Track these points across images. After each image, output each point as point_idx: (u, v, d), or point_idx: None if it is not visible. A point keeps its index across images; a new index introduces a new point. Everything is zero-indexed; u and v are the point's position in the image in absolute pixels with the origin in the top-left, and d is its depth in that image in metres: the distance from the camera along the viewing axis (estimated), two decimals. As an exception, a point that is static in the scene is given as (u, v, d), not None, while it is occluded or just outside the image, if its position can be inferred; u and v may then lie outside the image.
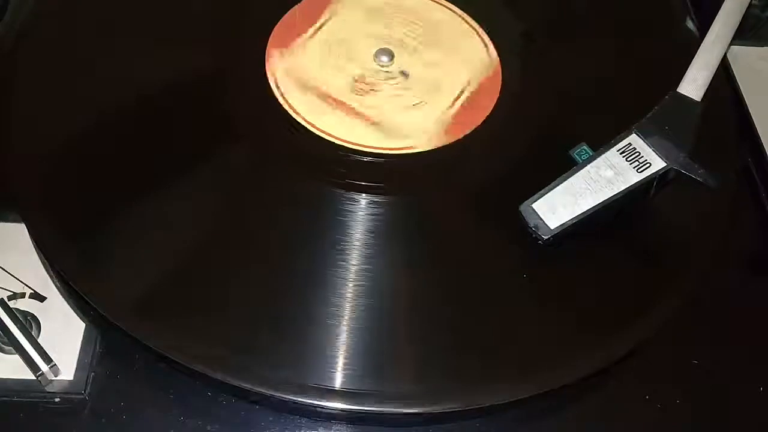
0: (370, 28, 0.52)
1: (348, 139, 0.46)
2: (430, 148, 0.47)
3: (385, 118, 0.48)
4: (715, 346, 0.44)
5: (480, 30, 0.52)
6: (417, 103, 0.49)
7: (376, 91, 0.49)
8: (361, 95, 0.49)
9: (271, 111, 0.47)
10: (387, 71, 0.50)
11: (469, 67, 0.51)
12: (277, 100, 0.48)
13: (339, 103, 0.48)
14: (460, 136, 0.47)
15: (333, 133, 0.46)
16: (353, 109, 0.48)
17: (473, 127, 0.48)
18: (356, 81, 0.49)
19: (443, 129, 0.48)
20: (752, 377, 0.44)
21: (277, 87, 0.48)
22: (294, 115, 0.47)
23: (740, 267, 0.48)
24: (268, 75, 0.48)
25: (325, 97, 0.48)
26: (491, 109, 0.48)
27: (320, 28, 0.51)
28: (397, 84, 0.50)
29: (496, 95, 0.49)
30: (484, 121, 0.48)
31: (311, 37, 0.51)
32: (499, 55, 0.51)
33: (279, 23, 0.51)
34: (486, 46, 0.52)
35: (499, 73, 0.50)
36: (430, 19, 0.53)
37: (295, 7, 0.52)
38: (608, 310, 0.42)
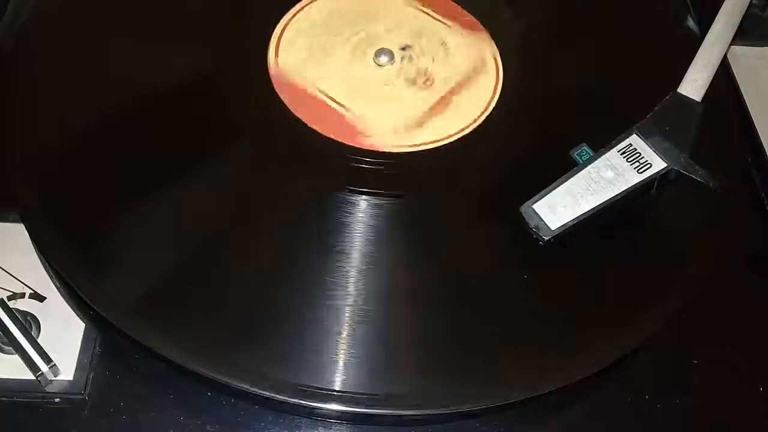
0: (360, 27, 0.52)
1: (344, 138, 0.46)
2: (443, 144, 0.47)
3: (391, 116, 0.48)
4: (715, 346, 0.44)
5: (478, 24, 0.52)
6: (420, 102, 0.49)
7: (378, 90, 0.49)
8: (364, 96, 0.48)
9: (271, 111, 0.47)
10: (388, 69, 0.50)
11: (470, 62, 0.51)
12: (280, 101, 0.48)
13: (339, 104, 0.48)
14: (471, 130, 0.48)
15: (331, 132, 0.46)
16: (353, 109, 0.48)
17: (484, 122, 0.48)
18: (360, 80, 0.49)
19: (453, 124, 0.48)
20: (752, 377, 0.44)
21: (281, 92, 0.48)
22: (293, 114, 0.47)
23: (740, 267, 0.48)
24: (272, 80, 0.48)
25: (328, 99, 0.48)
26: (494, 107, 0.48)
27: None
28: (399, 83, 0.50)
29: (501, 86, 0.50)
30: (484, 121, 0.48)
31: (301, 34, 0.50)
32: (498, 47, 0.51)
33: (275, 29, 0.51)
34: (482, 38, 0.52)
35: (500, 65, 0.51)
36: (424, 24, 0.53)
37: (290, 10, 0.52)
38: (608, 311, 0.42)
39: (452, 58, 0.51)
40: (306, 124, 0.47)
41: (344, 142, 0.46)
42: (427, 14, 0.53)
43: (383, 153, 0.46)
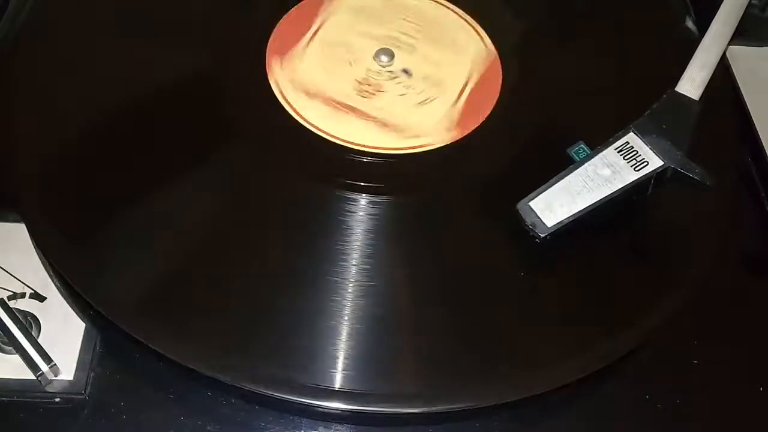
0: (364, 29, 0.52)
1: (360, 142, 0.46)
2: (443, 144, 0.47)
3: (394, 117, 0.48)
4: (715, 346, 0.44)
5: (474, 22, 0.52)
6: (423, 101, 0.49)
7: (381, 92, 0.49)
8: (367, 97, 0.48)
9: (271, 111, 0.47)
10: (389, 71, 0.50)
11: (468, 60, 0.51)
12: (277, 101, 0.48)
13: (347, 107, 0.48)
14: (470, 129, 0.47)
15: (344, 137, 0.46)
16: (362, 111, 0.48)
17: (482, 120, 0.48)
18: (360, 83, 0.49)
19: (453, 124, 0.48)
20: (752, 377, 0.44)
21: (283, 96, 0.48)
22: (293, 114, 0.47)
23: (740, 267, 0.48)
24: (272, 85, 0.48)
25: (331, 102, 0.48)
26: (492, 105, 0.48)
27: (315, 33, 0.51)
28: (400, 83, 0.49)
29: (499, 85, 0.49)
30: (483, 120, 0.48)
31: (308, 43, 0.51)
32: (496, 47, 0.51)
33: (273, 34, 0.51)
34: (482, 37, 0.52)
35: (499, 64, 0.51)
36: (424, 16, 0.53)
37: (287, 15, 0.52)
38: (608, 310, 0.42)
39: (453, 58, 0.51)
40: (306, 124, 0.47)
41: (344, 141, 0.46)
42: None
43: (383, 152, 0.46)
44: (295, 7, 0.52)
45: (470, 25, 0.53)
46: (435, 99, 0.49)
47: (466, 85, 0.50)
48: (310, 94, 0.48)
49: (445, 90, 0.49)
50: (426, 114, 0.48)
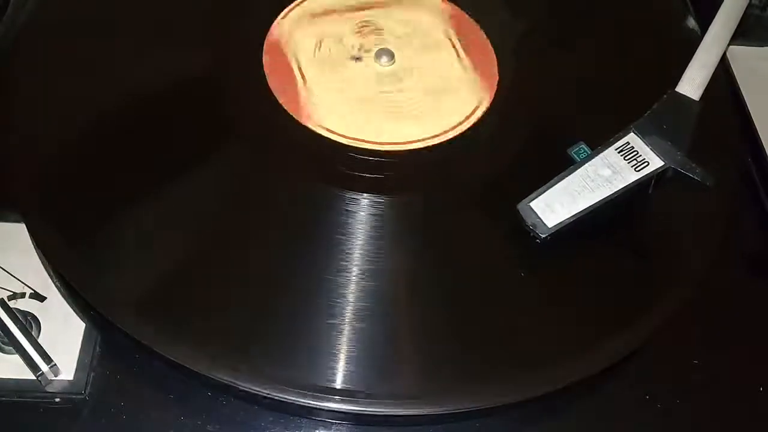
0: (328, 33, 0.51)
1: (345, 135, 0.46)
2: (488, 93, 0.48)
3: (422, 109, 0.48)
4: (715, 346, 0.44)
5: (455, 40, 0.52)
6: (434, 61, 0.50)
7: (383, 93, 0.49)
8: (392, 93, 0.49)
9: (271, 111, 0.47)
10: (388, 71, 0.50)
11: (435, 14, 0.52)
12: (277, 100, 0.48)
13: (341, 102, 0.48)
14: (495, 76, 0.49)
15: (332, 130, 0.46)
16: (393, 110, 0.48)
17: (497, 63, 0.49)
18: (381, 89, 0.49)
19: (475, 72, 0.49)
20: (752, 377, 0.44)
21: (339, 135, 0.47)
22: (292, 114, 0.47)
23: (740, 267, 0.48)
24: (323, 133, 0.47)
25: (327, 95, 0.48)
26: (491, 106, 0.49)
27: (299, 69, 0.49)
28: (397, 82, 0.50)
29: (482, 33, 0.51)
30: (482, 119, 0.48)
31: (305, 83, 0.49)
32: (498, 54, 0.51)
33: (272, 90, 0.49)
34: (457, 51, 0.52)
35: (465, 15, 0.52)
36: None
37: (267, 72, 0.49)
38: (608, 310, 0.42)
39: (453, 58, 0.51)
40: (306, 124, 0.47)
41: (344, 141, 0.46)
42: (450, 41, 0.52)
43: (383, 152, 0.46)
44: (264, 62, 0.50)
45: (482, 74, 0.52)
46: (442, 56, 0.50)
47: (451, 39, 0.51)
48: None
49: (441, 49, 0.50)
50: (446, 74, 0.49)
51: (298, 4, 0.52)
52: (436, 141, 0.47)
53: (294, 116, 0.47)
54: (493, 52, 0.51)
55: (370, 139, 0.47)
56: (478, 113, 0.48)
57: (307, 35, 0.51)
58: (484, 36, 0.52)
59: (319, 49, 0.50)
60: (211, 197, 0.44)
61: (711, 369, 0.44)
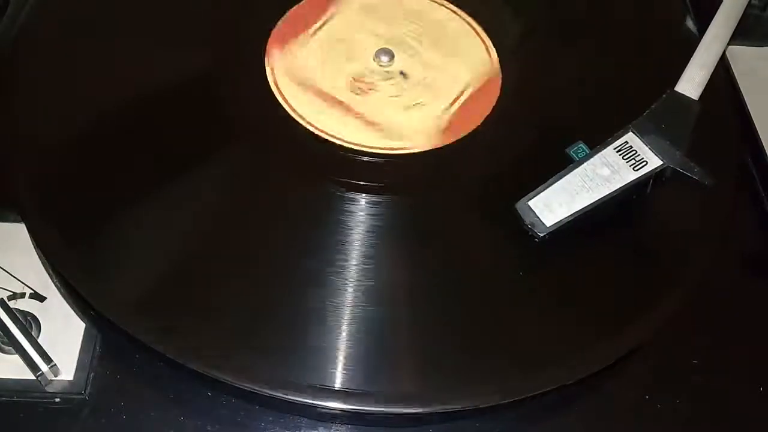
0: (371, 27, 0.52)
1: (344, 138, 0.46)
2: (425, 149, 0.46)
3: (383, 117, 0.48)
4: (715, 346, 0.44)
5: (480, 30, 0.52)
6: (415, 104, 0.49)
7: (374, 90, 0.49)
8: (359, 94, 0.49)
9: (272, 112, 0.47)
10: (387, 71, 0.50)
11: (470, 67, 0.51)
12: (277, 100, 0.48)
13: (336, 102, 0.48)
14: (458, 136, 0.47)
15: (329, 131, 0.46)
16: (351, 108, 0.48)
17: (470, 130, 0.47)
18: (355, 80, 0.49)
19: (440, 130, 0.47)
20: (752, 377, 0.44)
21: (276, 85, 0.48)
22: (292, 114, 0.47)
23: (740, 267, 0.48)
24: (267, 71, 0.48)
25: (323, 96, 0.48)
26: (490, 108, 0.48)
27: (322, 26, 0.51)
28: (394, 84, 0.49)
29: (496, 95, 0.49)
30: (482, 120, 0.48)
31: (312, 35, 0.51)
32: (498, 54, 0.51)
33: (281, 21, 0.51)
34: (487, 47, 0.52)
35: (499, 73, 0.50)
36: (431, 19, 0.53)
37: (298, 5, 0.52)
38: (608, 310, 0.42)
39: (453, 59, 0.51)
40: (305, 123, 0.47)
41: (344, 141, 0.46)
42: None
43: (382, 153, 0.46)
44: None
45: (477, 34, 0.52)
46: (426, 104, 0.49)
47: (461, 94, 0.49)
48: (302, 85, 0.48)
49: (438, 96, 0.49)
50: (413, 118, 0.48)
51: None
52: (378, 149, 0.47)
53: (294, 116, 0.47)
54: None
55: (350, 136, 0.47)
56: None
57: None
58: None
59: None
60: (211, 197, 0.44)
61: (711, 369, 0.43)
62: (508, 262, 0.43)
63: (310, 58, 0.50)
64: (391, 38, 0.51)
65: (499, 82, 0.50)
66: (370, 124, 0.47)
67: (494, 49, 0.51)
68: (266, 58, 0.49)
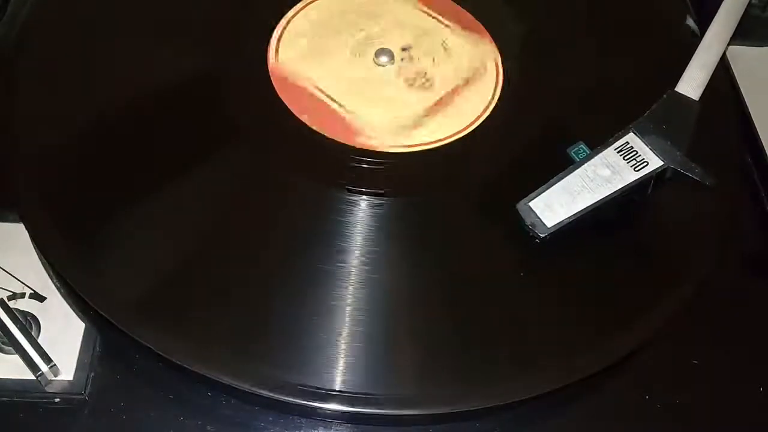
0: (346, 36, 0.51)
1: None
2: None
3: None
4: (715, 346, 0.44)
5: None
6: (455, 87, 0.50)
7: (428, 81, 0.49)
8: (421, 90, 0.49)
9: (272, 111, 0.47)
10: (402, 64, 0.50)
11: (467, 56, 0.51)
12: (276, 99, 0.48)
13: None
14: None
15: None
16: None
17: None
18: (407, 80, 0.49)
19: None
20: (752, 377, 0.44)
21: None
22: (299, 116, 0.47)
23: (740, 267, 0.48)
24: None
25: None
26: (491, 106, 0.49)
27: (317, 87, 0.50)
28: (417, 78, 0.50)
29: (495, 79, 0.50)
30: (482, 120, 0.48)
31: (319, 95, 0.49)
32: (499, 52, 0.51)
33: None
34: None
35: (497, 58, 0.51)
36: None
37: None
38: (608, 310, 0.42)
39: (452, 59, 0.51)
40: (306, 124, 0.47)
41: (344, 142, 0.46)
42: (427, 14, 0.53)
43: (382, 153, 0.46)
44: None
45: (471, 29, 0.53)
46: (434, 99, 0.49)
47: (466, 84, 0.50)
48: (306, 89, 0.48)
49: (443, 90, 0.49)
50: (426, 113, 0.48)
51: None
52: (437, 143, 0.47)
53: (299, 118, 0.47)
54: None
55: (371, 141, 0.47)
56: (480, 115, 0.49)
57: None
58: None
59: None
60: (211, 197, 0.44)
61: (711, 369, 0.44)
62: (508, 262, 0.43)
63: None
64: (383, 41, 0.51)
65: (498, 78, 0.50)
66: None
67: (496, 48, 0.52)
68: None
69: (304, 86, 0.49)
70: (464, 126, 0.48)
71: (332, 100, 0.48)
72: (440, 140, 0.47)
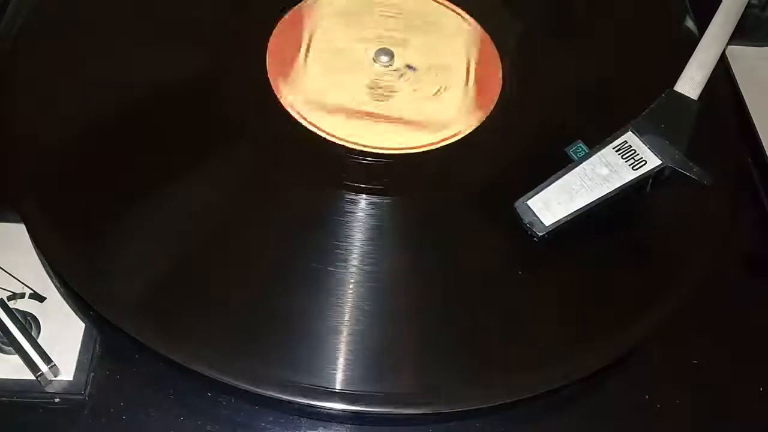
0: (353, 33, 0.51)
1: (392, 146, 0.46)
2: (472, 129, 0.47)
3: (417, 114, 0.48)
4: (715, 346, 0.44)
5: (449, 4, 0.53)
6: (437, 91, 0.49)
7: (395, 92, 0.49)
8: (383, 101, 0.48)
9: (271, 111, 0.47)
10: (394, 69, 0.50)
11: (460, 40, 0.51)
12: (276, 100, 0.48)
13: (369, 114, 0.48)
14: (491, 103, 0.48)
15: (371, 144, 0.46)
16: (385, 116, 0.48)
17: (497, 93, 0.49)
18: (371, 89, 0.49)
19: (474, 104, 0.48)
20: (752, 377, 0.44)
21: (303, 118, 0.47)
22: (323, 134, 0.47)
23: (740, 267, 0.48)
24: (287, 108, 0.47)
25: (352, 113, 0.48)
26: (500, 79, 0.49)
27: (309, 46, 0.50)
28: (409, 79, 0.50)
29: (497, 56, 0.51)
30: (497, 95, 0.49)
31: (305, 58, 0.50)
32: (498, 52, 0.51)
33: (267, 55, 0.50)
34: (461, 15, 0.52)
35: (489, 39, 0.52)
36: (403, 7, 0.53)
37: (273, 33, 0.51)
38: (607, 310, 0.42)
39: (442, 39, 0.51)
40: (305, 124, 0.47)
41: (344, 142, 0.46)
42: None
43: (381, 153, 0.46)
44: (279, 23, 0.51)
45: (446, 7, 0.53)
46: (449, 86, 0.49)
47: (468, 64, 0.50)
48: (329, 111, 0.48)
49: (452, 75, 0.50)
50: (446, 102, 0.49)
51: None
52: (437, 143, 0.47)
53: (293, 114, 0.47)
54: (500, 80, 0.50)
55: (371, 141, 0.47)
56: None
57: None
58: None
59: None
60: (210, 197, 0.44)
61: (711, 369, 0.44)
62: (507, 261, 0.43)
63: (318, 81, 0.49)
64: (377, 37, 0.51)
65: (489, 40, 0.51)
66: (412, 124, 0.47)
67: (468, 15, 0.53)
68: (278, 95, 0.48)
69: (321, 104, 0.48)
70: (464, 125, 0.48)
71: (353, 111, 0.48)
72: (440, 139, 0.47)
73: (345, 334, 0.40)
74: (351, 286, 0.41)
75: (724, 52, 0.49)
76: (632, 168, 0.43)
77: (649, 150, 0.44)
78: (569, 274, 0.43)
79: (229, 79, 0.48)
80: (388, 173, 0.45)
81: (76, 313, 0.42)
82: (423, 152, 0.46)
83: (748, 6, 0.51)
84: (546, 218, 0.42)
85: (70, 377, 0.40)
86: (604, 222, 0.43)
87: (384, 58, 0.50)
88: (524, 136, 0.48)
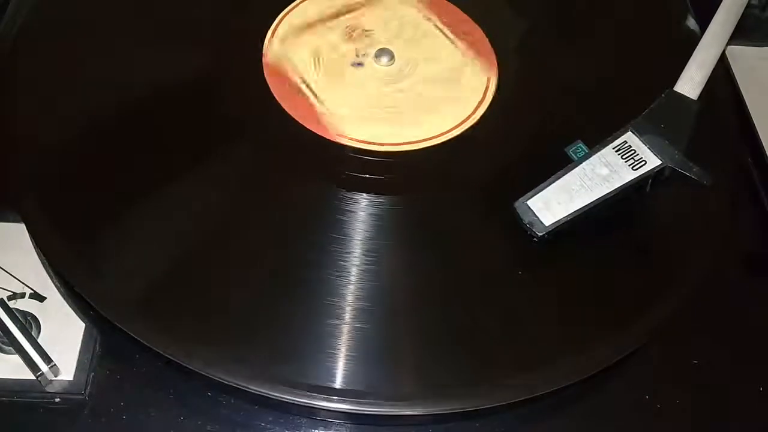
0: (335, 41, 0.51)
1: (391, 141, 0.47)
2: (475, 122, 0.48)
3: (420, 109, 0.48)
4: (715, 346, 0.44)
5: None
6: (437, 90, 0.49)
7: (395, 92, 0.49)
8: (383, 100, 0.49)
9: (271, 111, 0.47)
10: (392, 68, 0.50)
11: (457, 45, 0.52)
12: (275, 100, 0.48)
13: (369, 114, 0.48)
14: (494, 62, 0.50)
15: (371, 142, 0.46)
16: (385, 116, 0.48)
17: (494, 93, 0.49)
18: (369, 88, 0.49)
19: (472, 98, 0.49)
20: (752, 377, 0.44)
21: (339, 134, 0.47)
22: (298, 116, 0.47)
23: (740, 267, 0.48)
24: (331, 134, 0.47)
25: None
26: (489, 105, 0.49)
27: (308, 86, 0.49)
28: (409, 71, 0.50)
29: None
30: (480, 119, 0.48)
31: (315, 96, 0.49)
32: (498, 52, 0.51)
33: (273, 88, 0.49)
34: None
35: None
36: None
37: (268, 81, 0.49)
38: (607, 310, 0.42)
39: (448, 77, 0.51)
40: (305, 124, 0.47)
41: (344, 142, 0.46)
42: (433, 23, 0.53)
43: (381, 152, 0.46)
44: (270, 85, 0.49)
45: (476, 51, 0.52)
46: (446, 84, 0.50)
47: (437, 26, 0.51)
48: (361, 119, 0.48)
49: (432, 37, 0.51)
50: (445, 99, 0.49)
51: (280, 22, 0.52)
52: (435, 141, 0.47)
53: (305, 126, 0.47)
54: (479, 29, 0.52)
55: (371, 140, 0.47)
56: (489, 95, 0.49)
57: (301, 51, 0.51)
58: (465, 15, 0.53)
59: (319, 62, 0.50)
60: (210, 197, 0.44)
61: (711, 369, 0.44)
62: (506, 261, 0.43)
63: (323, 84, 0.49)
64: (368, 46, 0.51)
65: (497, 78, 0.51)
66: (411, 121, 0.48)
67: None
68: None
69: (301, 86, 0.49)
70: (463, 124, 0.48)
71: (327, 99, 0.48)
72: (439, 139, 0.47)
73: (345, 334, 0.40)
74: (351, 286, 0.41)
75: (724, 52, 0.49)
76: (632, 168, 0.43)
77: (648, 150, 0.44)
78: (569, 274, 0.43)
79: (229, 79, 0.48)
80: (388, 172, 0.45)
81: (76, 313, 0.42)
82: (423, 150, 0.46)
83: (748, 6, 0.51)
84: (546, 218, 0.42)
85: (71, 377, 0.40)
86: (604, 222, 0.43)
87: (384, 59, 0.50)
88: (524, 136, 0.48)
